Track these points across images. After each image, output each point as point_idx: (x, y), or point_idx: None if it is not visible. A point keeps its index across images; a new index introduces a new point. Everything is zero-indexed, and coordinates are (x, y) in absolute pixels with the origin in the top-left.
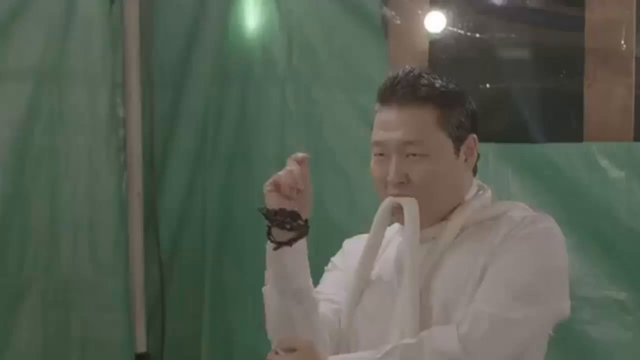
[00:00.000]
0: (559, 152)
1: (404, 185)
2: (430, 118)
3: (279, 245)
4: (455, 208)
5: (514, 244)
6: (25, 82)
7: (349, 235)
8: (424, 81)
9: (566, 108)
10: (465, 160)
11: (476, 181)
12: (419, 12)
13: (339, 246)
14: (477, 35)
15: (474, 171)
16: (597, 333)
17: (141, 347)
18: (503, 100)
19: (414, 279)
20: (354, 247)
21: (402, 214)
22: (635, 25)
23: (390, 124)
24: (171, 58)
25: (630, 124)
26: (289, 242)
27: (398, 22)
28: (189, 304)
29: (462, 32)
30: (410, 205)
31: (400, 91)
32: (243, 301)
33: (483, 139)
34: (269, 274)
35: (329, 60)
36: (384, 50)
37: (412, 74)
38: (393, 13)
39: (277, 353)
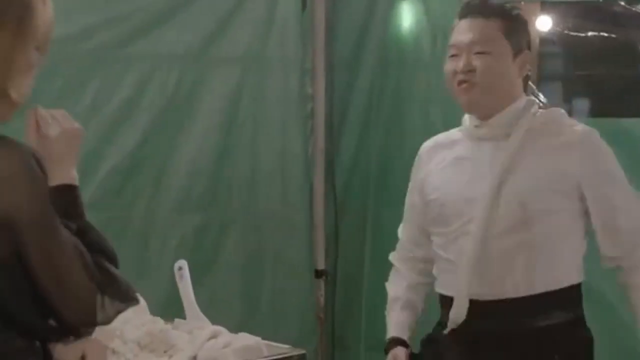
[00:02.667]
0: (636, 125)
1: (470, 73)
2: (495, 27)
3: None
4: (508, 105)
5: (602, 164)
6: (236, 66)
7: None
8: (495, 3)
9: None
10: (519, 69)
11: (525, 96)
12: (531, 16)
13: None
14: (577, 34)
15: (525, 88)
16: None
17: (320, 265)
18: (597, 86)
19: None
20: (427, 152)
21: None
22: None
23: (463, 30)
24: (347, 49)
25: None
26: None
27: None
28: (356, 233)
29: (565, 32)
30: None
31: (474, 7)
32: (394, 232)
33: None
34: None
35: None
36: None
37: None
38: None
39: None
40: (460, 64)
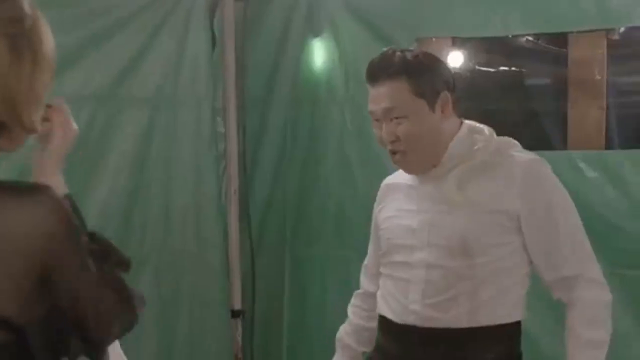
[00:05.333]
0: (549, 157)
1: (395, 142)
2: (402, 87)
3: None
4: (443, 153)
5: (542, 195)
6: (147, 106)
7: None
8: (395, 59)
9: (554, 124)
10: (442, 112)
11: (468, 124)
12: (443, 51)
13: None
14: (487, 69)
15: (454, 109)
16: None
17: (237, 305)
18: (506, 119)
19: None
20: (386, 186)
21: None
22: (607, 62)
23: (375, 97)
24: (259, 87)
25: (602, 137)
26: None
27: None
28: (273, 272)
29: (476, 67)
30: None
31: (377, 72)
32: (314, 269)
33: None
34: None
35: None
36: None
37: (386, 54)
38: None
39: None
40: (383, 132)
